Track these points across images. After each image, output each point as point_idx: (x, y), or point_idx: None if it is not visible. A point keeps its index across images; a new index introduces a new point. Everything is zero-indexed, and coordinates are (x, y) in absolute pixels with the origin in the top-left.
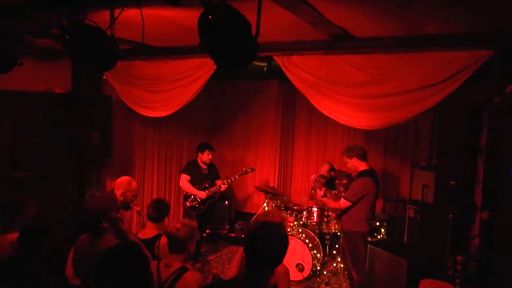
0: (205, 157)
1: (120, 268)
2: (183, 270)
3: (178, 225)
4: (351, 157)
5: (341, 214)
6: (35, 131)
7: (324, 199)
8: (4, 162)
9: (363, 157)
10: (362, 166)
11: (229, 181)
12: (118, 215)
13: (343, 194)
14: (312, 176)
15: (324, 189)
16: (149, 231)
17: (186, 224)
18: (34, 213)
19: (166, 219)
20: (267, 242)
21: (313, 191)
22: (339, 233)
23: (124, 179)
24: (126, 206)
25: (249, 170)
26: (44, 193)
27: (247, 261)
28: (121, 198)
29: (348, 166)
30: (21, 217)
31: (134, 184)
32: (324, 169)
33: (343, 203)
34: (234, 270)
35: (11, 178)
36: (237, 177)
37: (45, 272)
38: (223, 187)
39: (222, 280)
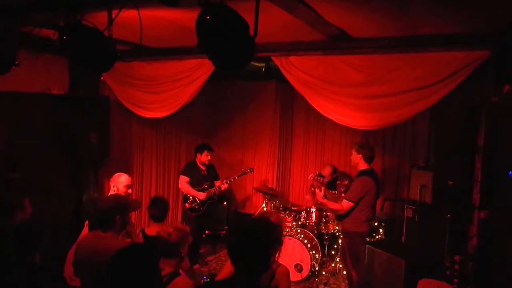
0: (204, 158)
1: (132, 268)
2: (173, 275)
3: (170, 230)
4: (358, 153)
5: (341, 214)
6: (33, 132)
7: (325, 200)
8: (1, 163)
9: (368, 159)
10: (363, 165)
11: (229, 182)
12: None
13: (343, 195)
14: (310, 175)
15: (323, 188)
16: (155, 229)
17: (178, 228)
18: (33, 210)
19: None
20: (242, 239)
21: (312, 189)
22: (337, 234)
23: (114, 175)
24: (136, 205)
25: (248, 170)
26: (42, 193)
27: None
28: (114, 191)
29: (351, 157)
30: (21, 213)
31: (123, 176)
32: (327, 171)
33: (346, 204)
34: (230, 269)
35: (8, 179)
36: (236, 177)
37: (43, 274)
38: (222, 187)
39: (213, 281)
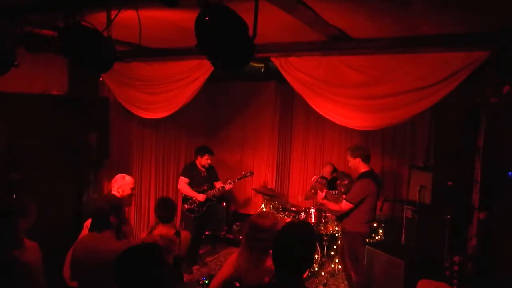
0: (204, 161)
1: (143, 267)
2: None
3: (157, 238)
4: (355, 157)
5: (342, 215)
6: (32, 133)
7: (325, 201)
8: (1, 164)
9: (366, 159)
10: (363, 167)
11: (229, 184)
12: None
13: (344, 195)
14: (313, 177)
15: (325, 190)
16: (164, 231)
17: (165, 237)
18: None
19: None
20: (291, 243)
21: (312, 191)
22: (337, 234)
23: (117, 176)
24: (129, 202)
25: (248, 174)
26: (42, 194)
27: (276, 265)
28: (119, 193)
29: (349, 164)
30: (26, 219)
31: (127, 177)
32: (327, 171)
33: (345, 205)
34: (228, 269)
35: (8, 180)
36: (236, 180)
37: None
38: (224, 189)
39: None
